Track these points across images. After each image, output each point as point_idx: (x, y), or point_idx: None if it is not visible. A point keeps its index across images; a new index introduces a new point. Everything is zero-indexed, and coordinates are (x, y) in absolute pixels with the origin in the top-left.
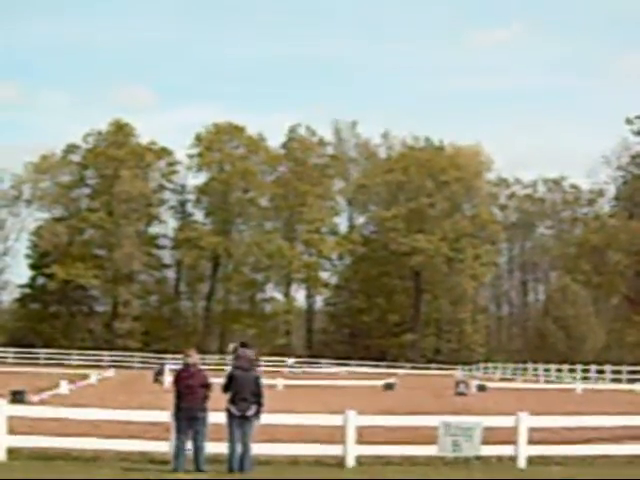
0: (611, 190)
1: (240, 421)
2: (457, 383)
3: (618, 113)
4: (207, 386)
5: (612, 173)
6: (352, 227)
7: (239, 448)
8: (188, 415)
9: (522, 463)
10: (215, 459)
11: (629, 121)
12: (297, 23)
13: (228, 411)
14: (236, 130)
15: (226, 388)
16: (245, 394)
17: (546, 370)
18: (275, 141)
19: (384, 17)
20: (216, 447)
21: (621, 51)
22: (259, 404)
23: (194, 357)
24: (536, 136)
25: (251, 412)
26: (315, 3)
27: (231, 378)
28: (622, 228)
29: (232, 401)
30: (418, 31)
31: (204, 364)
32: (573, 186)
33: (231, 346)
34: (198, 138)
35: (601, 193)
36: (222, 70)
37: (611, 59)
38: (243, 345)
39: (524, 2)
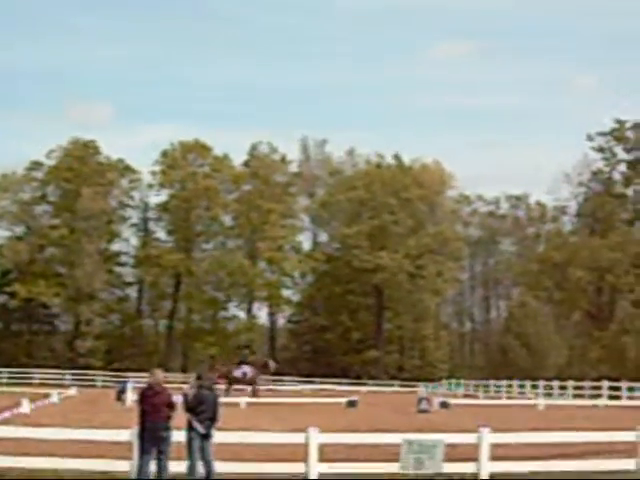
0: (573, 207)
1: (202, 439)
2: (419, 400)
3: (580, 130)
4: (171, 405)
5: (573, 190)
6: (315, 245)
7: (200, 466)
8: (153, 434)
9: None
10: (175, 478)
11: (590, 137)
12: (265, 44)
13: (190, 428)
14: (203, 149)
15: (191, 409)
16: (209, 413)
17: (509, 386)
18: (240, 159)
19: (348, 37)
20: (177, 466)
21: (583, 68)
22: (215, 421)
23: (159, 376)
24: (498, 153)
25: (213, 430)
26: (282, 25)
27: (198, 398)
28: (583, 245)
29: (197, 419)
30: (381, 49)
31: (167, 383)
32: (538, 203)
33: None
34: (164, 155)
35: (564, 210)
36: (188, 88)
37: (573, 76)
38: None
39: (486, 20)
